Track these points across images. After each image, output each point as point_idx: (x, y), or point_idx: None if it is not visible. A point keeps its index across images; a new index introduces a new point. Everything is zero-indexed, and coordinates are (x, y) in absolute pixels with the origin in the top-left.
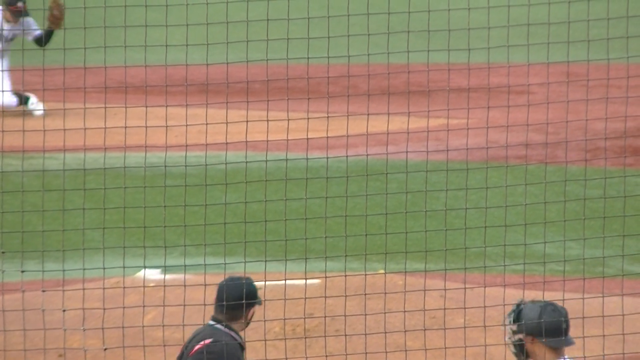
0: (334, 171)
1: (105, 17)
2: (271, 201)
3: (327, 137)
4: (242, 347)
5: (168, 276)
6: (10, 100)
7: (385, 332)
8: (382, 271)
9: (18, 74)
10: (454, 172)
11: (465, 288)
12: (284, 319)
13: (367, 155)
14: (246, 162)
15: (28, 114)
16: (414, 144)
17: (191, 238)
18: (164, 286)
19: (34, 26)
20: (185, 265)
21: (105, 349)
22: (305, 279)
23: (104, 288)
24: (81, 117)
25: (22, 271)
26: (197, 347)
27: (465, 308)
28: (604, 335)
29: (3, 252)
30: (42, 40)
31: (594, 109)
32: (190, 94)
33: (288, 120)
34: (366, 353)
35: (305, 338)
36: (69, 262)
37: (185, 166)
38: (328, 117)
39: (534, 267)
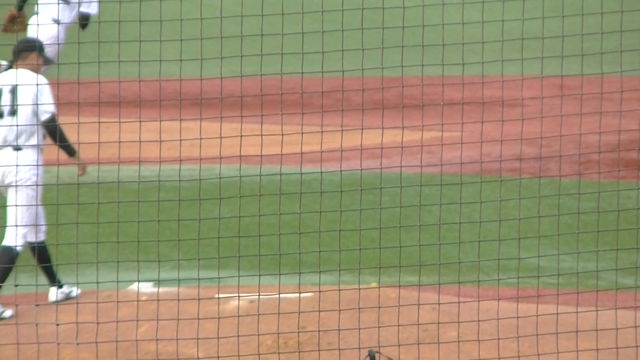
0: (327, 184)
1: (99, 32)
2: (265, 215)
3: (322, 152)
4: None
5: (161, 289)
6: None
7: (379, 346)
8: (375, 284)
9: None
10: (447, 186)
11: (459, 302)
12: (278, 333)
13: (361, 169)
14: (240, 176)
15: None
16: (408, 157)
17: (184, 251)
18: (158, 300)
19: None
20: (179, 280)
21: None
22: (299, 292)
23: (97, 302)
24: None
25: (16, 285)
26: None
27: (459, 322)
28: (597, 349)
29: None
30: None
31: (588, 122)
32: (184, 107)
33: (282, 134)
34: None
35: (299, 352)
36: (63, 276)
37: (180, 180)
38: (322, 131)
39: (528, 280)
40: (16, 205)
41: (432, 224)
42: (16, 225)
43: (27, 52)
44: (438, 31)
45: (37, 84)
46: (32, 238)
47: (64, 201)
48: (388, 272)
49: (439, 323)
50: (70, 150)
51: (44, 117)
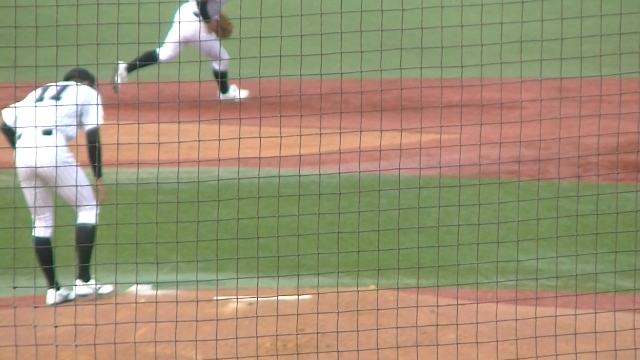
0: (326, 187)
1: (97, 34)
2: (263, 217)
3: (320, 154)
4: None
5: (159, 292)
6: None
7: (378, 348)
8: (374, 287)
9: (9, 90)
10: (446, 188)
11: (457, 304)
12: (276, 335)
13: (360, 172)
14: (238, 178)
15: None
16: (406, 159)
17: (183, 254)
18: (156, 302)
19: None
20: (177, 282)
21: None
22: (298, 294)
23: (95, 304)
24: None
25: (14, 287)
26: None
27: (457, 324)
28: (596, 352)
29: None
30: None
31: (586, 125)
32: (182, 109)
33: (281, 136)
34: None
35: (298, 354)
36: (61, 278)
37: (178, 182)
38: (321, 133)
39: (526, 282)
40: (55, 187)
41: (431, 227)
42: (76, 206)
43: (83, 79)
44: (437, 33)
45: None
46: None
47: (62, 203)
48: (386, 274)
49: (437, 325)
50: (99, 170)
51: (90, 126)
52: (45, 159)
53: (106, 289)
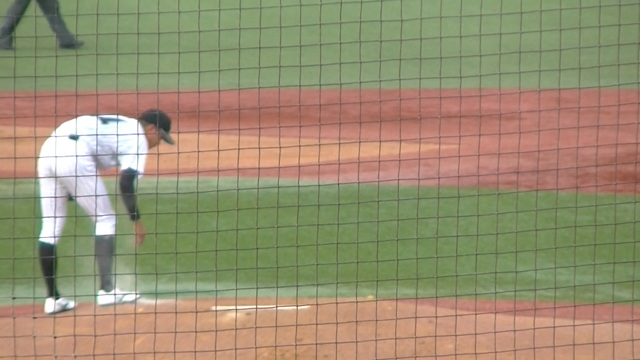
0: (325, 197)
1: (97, 44)
2: (262, 228)
3: (319, 164)
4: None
5: (158, 301)
6: None
7: (376, 359)
8: (372, 297)
9: (9, 100)
10: (444, 199)
11: (456, 315)
12: (275, 346)
13: (359, 182)
14: (237, 188)
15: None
16: (405, 170)
17: (181, 264)
18: (155, 312)
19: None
20: (176, 292)
21: None
22: (297, 305)
23: (94, 315)
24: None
25: (14, 297)
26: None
27: (456, 335)
28: None
29: None
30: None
31: (585, 136)
32: (181, 119)
33: (280, 147)
34: None
35: None
36: (60, 288)
37: (177, 193)
38: (320, 144)
39: (525, 293)
40: (74, 197)
41: (429, 237)
42: (96, 215)
43: (148, 121)
44: (436, 44)
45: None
46: (49, 234)
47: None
48: (385, 284)
49: (435, 336)
50: (133, 215)
51: (125, 166)
52: (66, 163)
53: (130, 297)
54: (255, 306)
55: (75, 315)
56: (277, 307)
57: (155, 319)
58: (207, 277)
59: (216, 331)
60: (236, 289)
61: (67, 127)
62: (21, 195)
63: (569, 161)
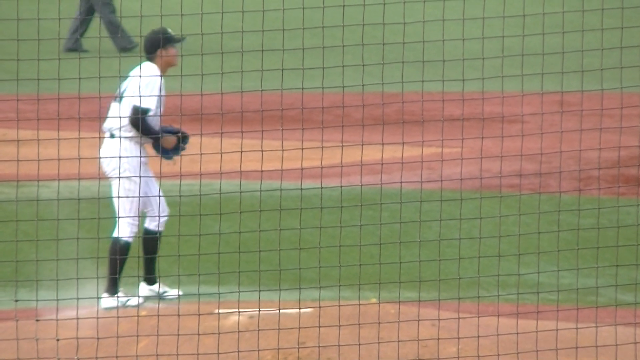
0: (327, 200)
1: (99, 47)
2: (265, 231)
3: (322, 167)
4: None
5: (161, 305)
6: None
7: None
8: (375, 300)
9: (12, 103)
10: (447, 202)
11: (459, 318)
12: (278, 349)
13: (361, 185)
14: (240, 191)
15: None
16: (408, 173)
17: (184, 267)
18: (158, 315)
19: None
20: (179, 295)
21: None
22: (299, 308)
23: (97, 318)
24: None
25: (16, 300)
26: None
27: (458, 338)
28: None
29: None
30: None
31: (588, 139)
32: (184, 122)
33: (282, 150)
34: None
35: None
36: (63, 291)
37: (180, 196)
38: (322, 147)
39: (527, 296)
40: (110, 197)
41: (432, 240)
42: (117, 217)
43: (151, 53)
44: (438, 47)
45: (141, 75)
46: (151, 226)
47: (64, 216)
48: (388, 287)
49: (438, 339)
50: (156, 143)
51: (130, 105)
52: (105, 163)
53: (133, 301)
54: (258, 309)
55: (78, 318)
56: (280, 310)
57: (158, 322)
58: (210, 280)
59: (219, 334)
60: (239, 292)
61: (106, 126)
62: (24, 198)
63: (571, 164)
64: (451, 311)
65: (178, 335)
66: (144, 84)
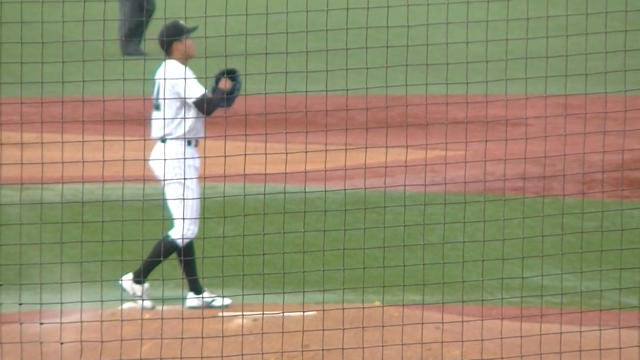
0: (331, 203)
1: (103, 49)
2: (269, 234)
3: (325, 170)
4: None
5: (165, 308)
6: None
7: None
8: (379, 303)
9: (16, 106)
10: (450, 205)
11: (462, 321)
12: (282, 352)
13: (365, 188)
14: (244, 195)
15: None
16: (411, 176)
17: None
18: (162, 318)
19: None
20: (182, 298)
21: None
22: (303, 311)
23: (101, 321)
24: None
25: (20, 303)
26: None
27: (462, 341)
28: None
29: (1, 285)
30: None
31: (591, 142)
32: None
33: (286, 153)
34: None
35: None
36: (66, 294)
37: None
38: (326, 150)
39: (531, 299)
40: (163, 199)
41: (436, 243)
42: (173, 219)
43: (168, 45)
44: (442, 50)
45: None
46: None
47: (68, 219)
48: (391, 290)
49: (442, 342)
50: (225, 99)
51: (189, 100)
52: (159, 167)
53: (219, 301)
54: (261, 312)
55: (82, 321)
56: (283, 313)
57: (162, 325)
58: (214, 283)
59: (223, 337)
60: (243, 295)
61: (154, 131)
62: (28, 201)
63: (575, 167)
64: (455, 314)
65: (182, 338)
66: (182, 87)
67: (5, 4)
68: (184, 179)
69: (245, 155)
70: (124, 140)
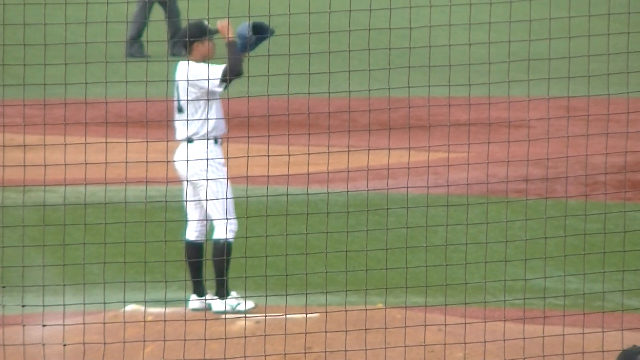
0: (334, 205)
1: (106, 51)
2: (271, 236)
3: (328, 172)
4: None
5: (167, 310)
6: None
7: None
8: (381, 305)
9: (18, 108)
10: (453, 207)
11: (465, 323)
12: (284, 354)
13: (368, 190)
14: (247, 196)
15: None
16: (414, 178)
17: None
18: (164, 320)
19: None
20: (185, 300)
21: None
22: (306, 313)
23: (104, 323)
24: (81, 151)
25: (23, 305)
26: None
27: (465, 343)
28: None
29: (3, 287)
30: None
31: (594, 144)
32: None
33: (289, 155)
34: None
35: None
36: (69, 296)
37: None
38: (329, 152)
39: (534, 301)
40: (196, 200)
41: (438, 245)
42: (208, 220)
43: (190, 47)
44: (445, 52)
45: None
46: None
47: (71, 221)
48: (394, 292)
49: (445, 344)
50: (240, 50)
51: (217, 83)
52: (188, 166)
53: (248, 304)
54: (264, 314)
55: (84, 323)
56: (286, 315)
57: (164, 327)
58: (214, 285)
59: (225, 339)
60: (245, 297)
61: (178, 133)
62: (31, 203)
63: (578, 169)
64: (457, 316)
65: (185, 340)
66: (205, 73)
67: (8, 6)
68: (220, 178)
69: (248, 157)
70: (127, 142)
